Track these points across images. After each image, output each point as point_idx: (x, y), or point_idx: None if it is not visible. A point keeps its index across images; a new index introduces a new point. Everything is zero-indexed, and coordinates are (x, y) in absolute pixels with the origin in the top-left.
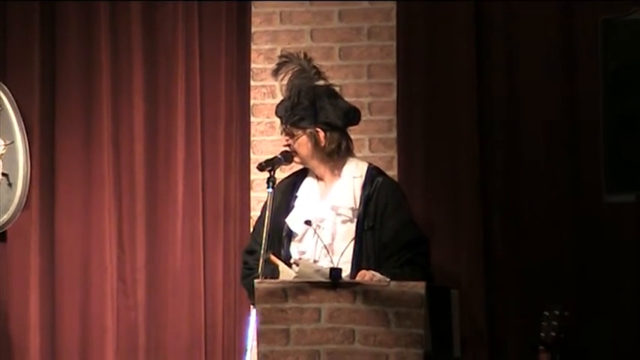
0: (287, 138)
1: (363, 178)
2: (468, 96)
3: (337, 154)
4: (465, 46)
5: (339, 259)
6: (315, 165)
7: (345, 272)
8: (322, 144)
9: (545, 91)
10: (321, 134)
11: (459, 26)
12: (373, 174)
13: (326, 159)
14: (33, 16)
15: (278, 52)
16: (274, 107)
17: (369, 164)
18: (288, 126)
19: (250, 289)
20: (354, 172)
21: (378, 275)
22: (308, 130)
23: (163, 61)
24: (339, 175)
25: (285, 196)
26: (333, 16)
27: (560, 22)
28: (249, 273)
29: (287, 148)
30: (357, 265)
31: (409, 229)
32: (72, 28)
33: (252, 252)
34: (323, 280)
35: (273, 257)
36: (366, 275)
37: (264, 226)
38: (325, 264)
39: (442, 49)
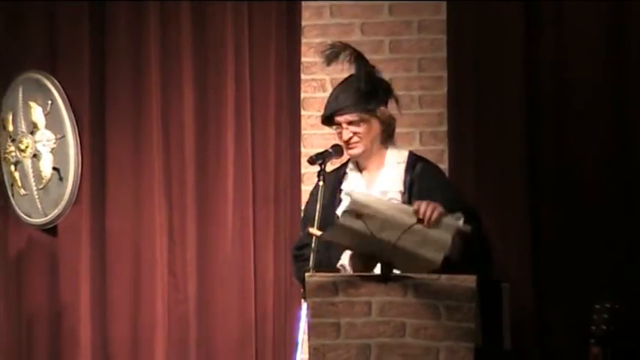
0: (353, 128)
1: (405, 163)
2: (517, 89)
3: (392, 136)
4: (515, 40)
5: None
6: (374, 152)
7: None
8: (390, 124)
9: (595, 84)
10: (387, 113)
11: (508, 20)
12: (414, 159)
13: (382, 145)
14: (83, 10)
15: None
16: (325, 101)
17: (409, 151)
18: (359, 112)
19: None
20: (397, 158)
21: (438, 206)
22: (379, 111)
23: (213, 55)
24: (383, 163)
25: (330, 191)
26: (383, 9)
27: (611, 13)
28: (305, 264)
29: (350, 139)
30: None
31: (457, 202)
32: (121, 22)
33: (303, 246)
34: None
35: (312, 230)
36: (422, 204)
37: (315, 212)
38: None
39: (492, 43)
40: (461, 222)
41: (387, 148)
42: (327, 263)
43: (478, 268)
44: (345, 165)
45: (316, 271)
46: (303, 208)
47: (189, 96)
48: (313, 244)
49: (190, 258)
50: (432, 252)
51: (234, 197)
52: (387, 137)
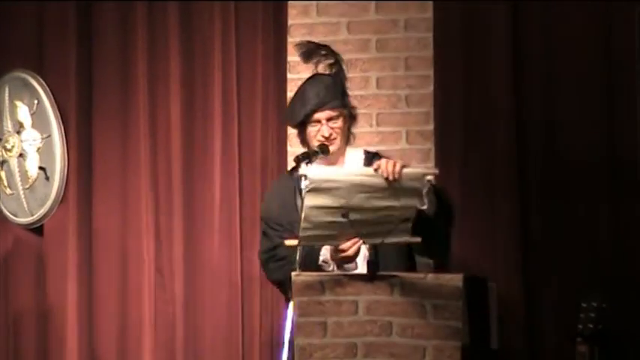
0: (331, 124)
1: (363, 160)
2: (504, 87)
3: (352, 133)
4: (502, 38)
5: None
6: (345, 149)
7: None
8: (354, 120)
9: (582, 77)
10: (355, 108)
11: (495, 17)
12: (370, 155)
13: (345, 142)
14: (69, 10)
15: None
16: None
17: (364, 149)
18: (341, 107)
19: (287, 280)
20: (355, 156)
21: (398, 160)
22: (352, 109)
23: (200, 55)
24: (344, 162)
25: (293, 193)
26: (369, 8)
27: (596, 14)
28: (281, 264)
29: (330, 136)
30: None
31: None
32: (108, 22)
33: (274, 248)
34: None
35: (288, 242)
36: (381, 162)
37: (279, 213)
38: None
39: (478, 41)
40: (428, 168)
41: (347, 145)
42: (310, 260)
43: (448, 219)
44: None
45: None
46: (263, 208)
47: (177, 96)
48: (298, 254)
49: (177, 257)
50: (407, 200)
51: (220, 196)
52: (349, 134)
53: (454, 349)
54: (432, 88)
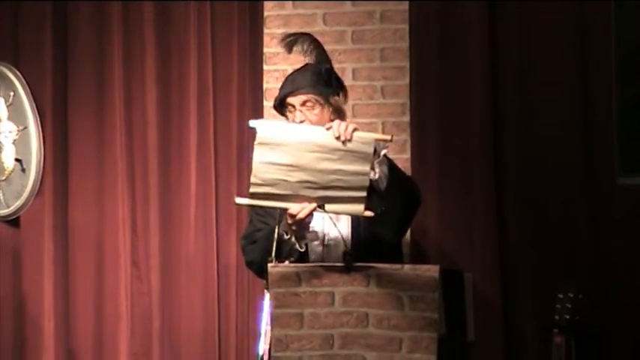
0: (305, 111)
1: None
2: (481, 78)
3: None
4: (478, 28)
5: (341, 225)
6: None
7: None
8: (340, 115)
9: (558, 72)
10: (340, 103)
11: (472, 8)
12: None
13: None
14: (45, 2)
15: None
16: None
17: None
18: (314, 94)
19: (255, 262)
20: None
21: (351, 123)
22: (333, 99)
23: (176, 45)
24: None
25: None
26: None
27: (572, 5)
28: (253, 247)
29: (303, 122)
30: (353, 227)
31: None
32: (84, 14)
33: (252, 232)
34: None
35: (238, 199)
36: (334, 123)
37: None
38: (333, 233)
39: (455, 31)
40: (382, 135)
41: None
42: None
43: (404, 199)
44: None
45: (278, 260)
46: None
47: (152, 87)
48: (276, 235)
49: (153, 249)
50: (358, 165)
51: (196, 189)
52: None
53: (430, 340)
54: (407, 79)
